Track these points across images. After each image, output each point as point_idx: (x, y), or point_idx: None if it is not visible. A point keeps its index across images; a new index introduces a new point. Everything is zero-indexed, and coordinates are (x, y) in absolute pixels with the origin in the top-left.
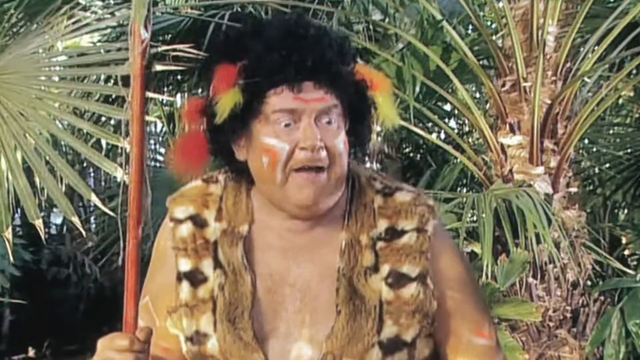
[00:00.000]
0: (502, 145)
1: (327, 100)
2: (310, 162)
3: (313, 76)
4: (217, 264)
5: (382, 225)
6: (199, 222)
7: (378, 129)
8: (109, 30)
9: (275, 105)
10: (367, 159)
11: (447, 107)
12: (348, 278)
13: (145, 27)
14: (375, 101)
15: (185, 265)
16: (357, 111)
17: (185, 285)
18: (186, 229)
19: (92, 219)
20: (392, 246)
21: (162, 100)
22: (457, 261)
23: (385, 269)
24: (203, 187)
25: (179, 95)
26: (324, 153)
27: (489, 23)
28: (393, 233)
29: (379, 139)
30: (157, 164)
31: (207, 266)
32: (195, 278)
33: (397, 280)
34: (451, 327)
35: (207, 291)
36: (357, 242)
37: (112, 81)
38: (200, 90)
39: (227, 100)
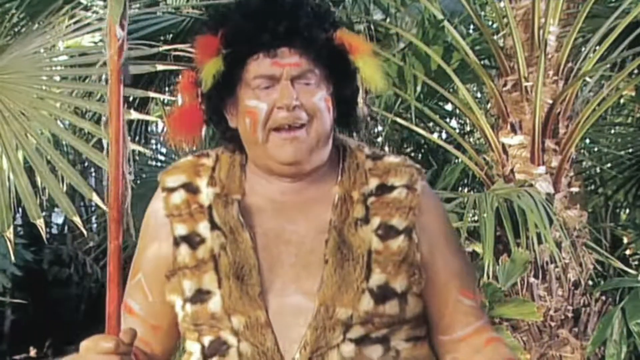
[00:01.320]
0: (503, 145)
1: (302, 65)
2: (288, 120)
3: (288, 41)
4: (214, 226)
5: (373, 183)
6: (191, 189)
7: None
8: None
9: (255, 72)
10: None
11: (449, 107)
12: (339, 230)
13: (122, 26)
14: (357, 65)
15: (181, 229)
16: (339, 76)
17: (183, 248)
18: (179, 196)
19: (93, 218)
20: (383, 200)
21: (163, 100)
22: (444, 221)
23: (375, 221)
24: (194, 159)
25: (180, 95)
26: (302, 113)
27: (490, 23)
28: (383, 188)
29: (380, 139)
30: (159, 164)
31: (203, 228)
32: (192, 240)
33: (387, 232)
34: (438, 285)
35: (207, 251)
36: (349, 197)
37: None
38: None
39: (209, 69)
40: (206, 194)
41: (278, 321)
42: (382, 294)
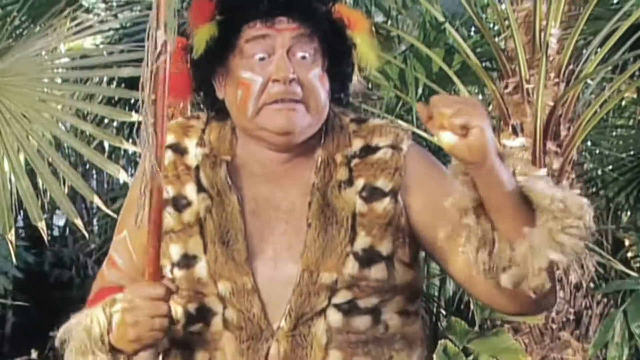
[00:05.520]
0: (504, 147)
1: (299, 29)
2: (284, 94)
3: (287, 11)
4: (200, 188)
5: (357, 144)
6: (179, 149)
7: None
8: (111, 33)
9: (249, 35)
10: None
11: None
12: (322, 192)
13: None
14: (354, 41)
15: (168, 192)
16: (336, 50)
17: (169, 211)
18: (167, 157)
19: (94, 220)
20: (367, 161)
21: None
22: (437, 171)
23: (359, 182)
24: (183, 121)
25: None
26: (297, 87)
27: (491, 25)
28: (368, 150)
29: None
30: None
31: (190, 190)
32: (179, 203)
33: (371, 194)
34: (445, 224)
35: (193, 214)
36: (332, 160)
37: (114, 83)
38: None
39: (203, 34)
40: (194, 155)
41: (268, 288)
42: (367, 257)
